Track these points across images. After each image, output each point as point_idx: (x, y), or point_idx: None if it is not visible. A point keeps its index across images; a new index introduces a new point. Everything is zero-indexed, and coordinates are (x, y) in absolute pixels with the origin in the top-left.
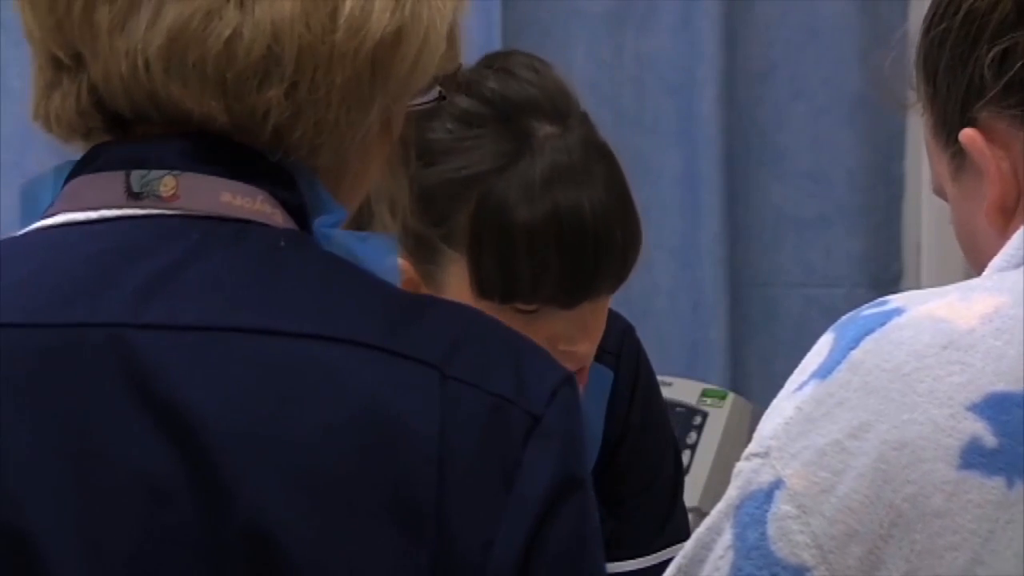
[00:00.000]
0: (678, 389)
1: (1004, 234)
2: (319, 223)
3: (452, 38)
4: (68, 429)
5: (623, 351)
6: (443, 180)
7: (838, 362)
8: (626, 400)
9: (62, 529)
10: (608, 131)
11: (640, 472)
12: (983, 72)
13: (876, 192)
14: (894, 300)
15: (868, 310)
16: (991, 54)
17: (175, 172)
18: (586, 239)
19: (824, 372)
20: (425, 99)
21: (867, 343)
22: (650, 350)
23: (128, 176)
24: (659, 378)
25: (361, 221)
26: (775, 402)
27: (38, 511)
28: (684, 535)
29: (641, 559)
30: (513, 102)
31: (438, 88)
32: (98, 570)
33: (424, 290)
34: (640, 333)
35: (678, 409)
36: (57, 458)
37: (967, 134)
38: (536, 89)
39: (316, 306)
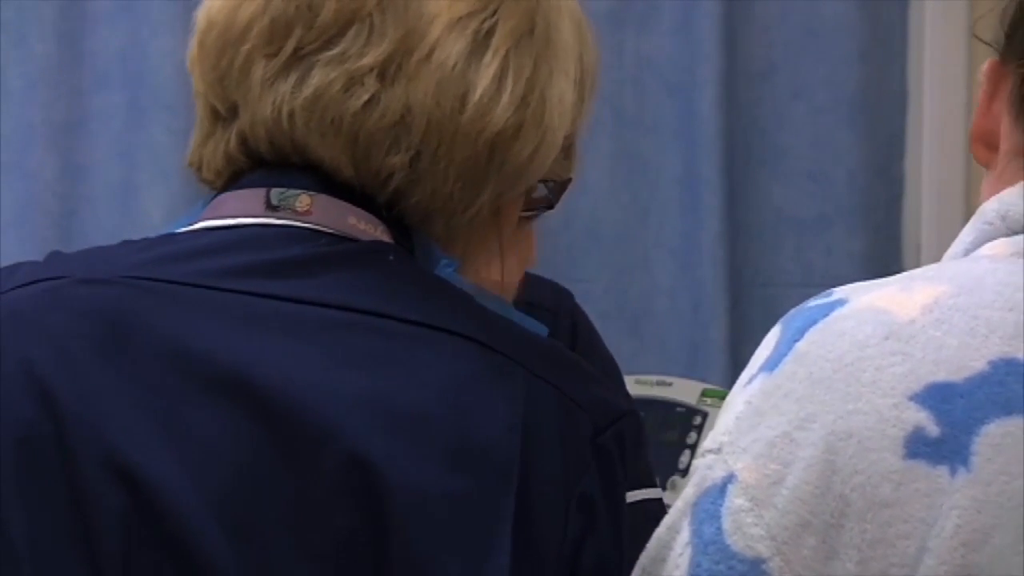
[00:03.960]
0: (678, 389)
1: (990, 168)
2: (444, 264)
3: (569, 149)
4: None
5: (560, 309)
6: None
7: (784, 355)
8: (568, 333)
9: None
10: (608, 131)
11: None
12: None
13: (876, 192)
14: (838, 291)
15: (813, 302)
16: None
17: (311, 192)
18: None
19: (771, 365)
20: (534, 207)
21: (811, 334)
22: (650, 350)
23: (268, 192)
24: (659, 378)
25: None
26: (728, 397)
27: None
28: (652, 481)
29: None
30: None
31: (547, 194)
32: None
33: None
34: (640, 333)
35: (678, 409)
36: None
37: (986, 64)
38: None
39: (419, 303)
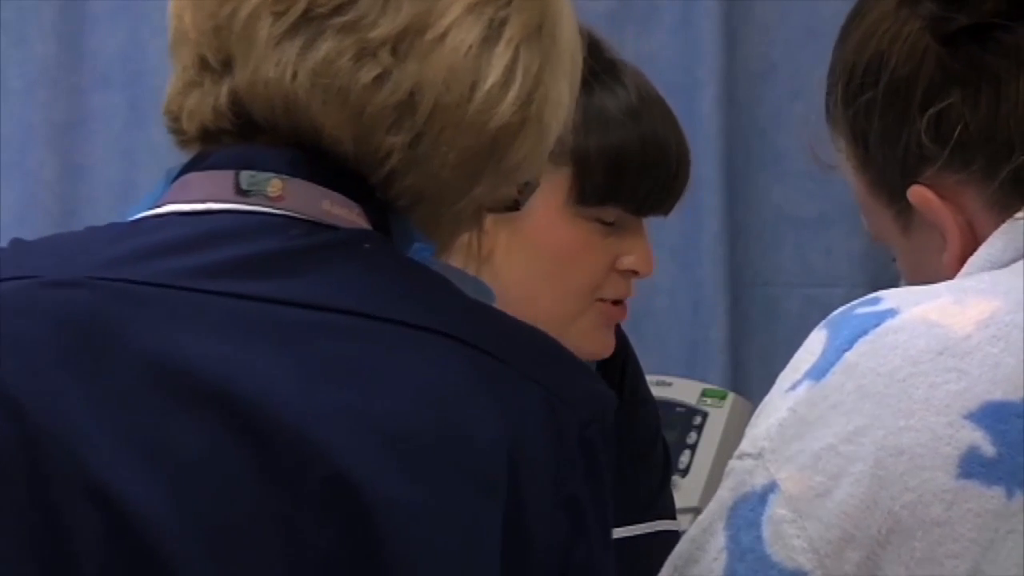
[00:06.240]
0: (678, 389)
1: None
2: (416, 248)
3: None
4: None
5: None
6: None
7: (832, 363)
8: (618, 372)
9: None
10: None
11: (635, 443)
12: (920, 138)
13: None
14: (886, 299)
15: (861, 308)
16: (925, 120)
17: (282, 176)
18: (671, 155)
19: (818, 373)
20: (503, 204)
21: (861, 345)
22: (650, 350)
23: (237, 175)
24: (659, 378)
25: None
26: (768, 399)
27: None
28: (673, 513)
29: (633, 527)
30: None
31: (516, 197)
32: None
33: (489, 216)
34: (640, 333)
35: (678, 409)
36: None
37: (919, 193)
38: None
39: (399, 298)
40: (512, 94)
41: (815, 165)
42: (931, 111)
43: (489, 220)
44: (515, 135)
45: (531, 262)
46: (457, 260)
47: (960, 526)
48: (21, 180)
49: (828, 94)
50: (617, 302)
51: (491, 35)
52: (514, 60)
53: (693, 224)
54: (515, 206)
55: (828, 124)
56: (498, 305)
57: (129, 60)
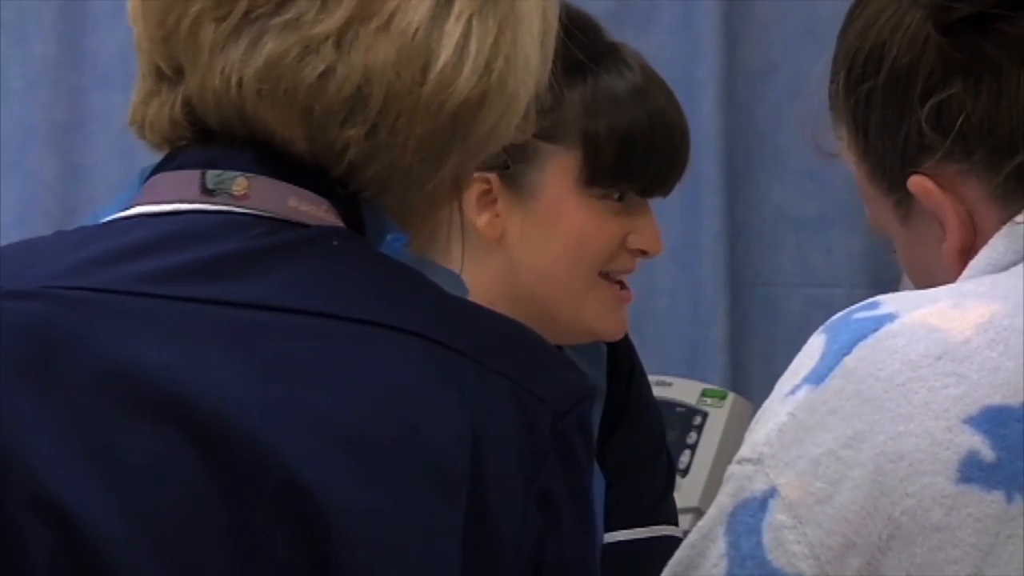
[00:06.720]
0: (678, 389)
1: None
2: (391, 239)
3: (528, 111)
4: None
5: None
6: None
7: (831, 368)
8: (626, 378)
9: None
10: None
11: (639, 448)
12: (920, 128)
13: None
14: (885, 304)
15: (860, 313)
16: (926, 110)
17: (248, 174)
18: (677, 134)
19: (817, 378)
20: (491, 164)
21: (860, 350)
22: (650, 350)
23: (203, 175)
24: (659, 378)
25: None
26: (767, 404)
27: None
28: (675, 519)
29: (638, 530)
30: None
31: (504, 156)
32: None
33: (502, 199)
34: (640, 333)
35: (678, 409)
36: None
37: (919, 183)
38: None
39: (365, 296)
40: (467, 69)
41: (816, 157)
42: (932, 101)
43: (502, 205)
44: (477, 109)
45: (547, 244)
46: (440, 237)
47: (960, 531)
48: (21, 180)
49: (831, 82)
50: (623, 286)
51: (439, 12)
52: (466, 34)
53: (693, 224)
54: (505, 165)
55: (831, 113)
56: (515, 288)
57: (129, 60)
